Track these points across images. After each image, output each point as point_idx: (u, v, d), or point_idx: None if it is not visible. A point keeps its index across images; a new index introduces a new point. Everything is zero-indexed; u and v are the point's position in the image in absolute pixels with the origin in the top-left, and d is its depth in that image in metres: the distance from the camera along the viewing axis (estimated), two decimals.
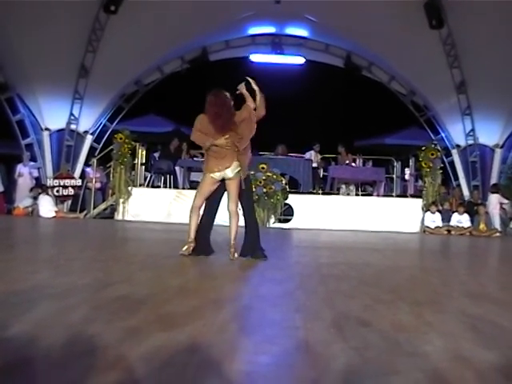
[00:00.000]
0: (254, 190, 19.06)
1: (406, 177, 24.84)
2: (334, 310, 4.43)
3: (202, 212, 8.70)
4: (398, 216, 20.83)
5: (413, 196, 22.75)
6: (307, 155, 23.68)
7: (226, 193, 8.66)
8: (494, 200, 22.38)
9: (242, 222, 8.71)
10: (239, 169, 8.46)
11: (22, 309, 3.98)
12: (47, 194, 22.12)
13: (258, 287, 5.97)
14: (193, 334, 3.41)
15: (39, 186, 23.05)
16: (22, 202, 22.26)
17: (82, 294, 4.91)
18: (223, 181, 8.53)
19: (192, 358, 2.93)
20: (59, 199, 23.18)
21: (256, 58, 28.55)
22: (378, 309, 4.59)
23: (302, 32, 27.98)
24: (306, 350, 3.19)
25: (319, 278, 6.60)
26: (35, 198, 22.17)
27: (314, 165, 23.25)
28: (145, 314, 4.01)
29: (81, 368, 2.69)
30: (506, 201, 22.62)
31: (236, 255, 8.43)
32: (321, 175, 24.00)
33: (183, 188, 21.89)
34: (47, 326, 3.53)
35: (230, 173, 8.41)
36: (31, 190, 22.52)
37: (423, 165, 21.29)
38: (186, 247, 8.36)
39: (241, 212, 8.77)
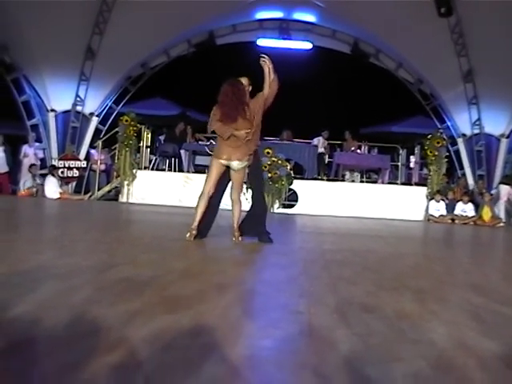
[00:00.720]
0: None
1: (411, 165, 24.80)
2: (338, 296, 4.43)
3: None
4: (403, 204, 20.84)
5: (417, 184, 22.73)
6: (315, 141, 23.67)
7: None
8: (504, 191, 22.37)
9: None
10: (246, 163, 8.49)
11: (26, 289, 3.98)
12: (53, 175, 22.15)
13: (262, 272, 5.98)
14: (196, 317, 3.41)
15: (48, 167, 23.13)
16: (24, 183, 22.31)
17: (85, 275, 4.91)
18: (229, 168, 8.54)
19: (195, 341, 2.93)
20: (64, 180, 23.18)
21: (263, 42, 28.49)
22: (381, 295, 4.59)
23: (309, 17, 27.90)
24: (309, 335, 3.19)
25: (323, 264, 6.60)
26: (34, 178, 22.26)
27: (321, 150, 23.23)
28: (148, 296, 4.01)
29: (84, 349, 2.70)
30: None
31: (240, 238, 8.47)
32: (326, 161, 23.98)
33: (188, 171, 21.91)
34: (50, 306, 3.53)
35: (236, 165, 8.43)
36: (30, 168, 22.51)
37: (428, 153, 21.28)
38: (188, 234, 8.39)
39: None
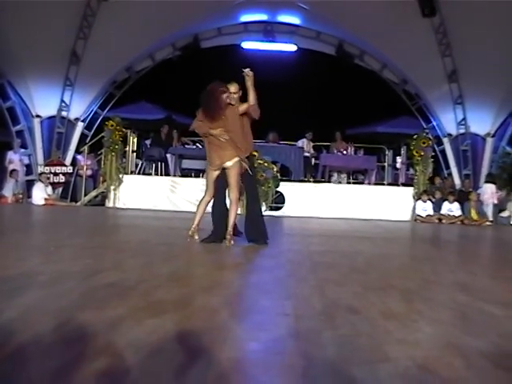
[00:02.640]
0: None
1: (398, 165, 24.83)
2: (325, 298, 4.43)
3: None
4: (390, 204, 20.88)
5: (404, 184, 22.77)
6: (299, 143, 23.68)
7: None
8: (489, 190, 22.48)
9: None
10: (237, 159, 8.53)
11: (11, 295, 3.97)
12: (41, 181, 22.13)
13: (249, 274, 5.98)
14: (182, 321, 3.40)
15: (37, 173, 23.17)
16: (4, 189, 22.30)
17: (71, 280, 4.90)
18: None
19: (181, 345, 2.93)
20: (50, 186, 23.12)
21: (248, 45, 28.53)
22: (368, 296, 4.59)
23: (294, 20, 27.94)
24: (296, 338, 3.19)
25: (310, 266, 6.60)
26: (17, 184, 22.29)
27: (306, 154, 23.23)
28: (134, 301, 4.00)
29: (70, 355, 2.69)
30: (499, 191, 22.74)
31: (232, 242, 8.46)
32: (312, 163, 23.98)
33: (174, 175, 21.88)
34: (36, 313, 3.52)
35: (228, 163, 8.52)
36: (11, 174, 22.51)
37: (414, 153, 21.33)
38: (189, 236, 8.63)
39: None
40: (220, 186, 8.81)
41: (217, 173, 8.65)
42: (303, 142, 23.72)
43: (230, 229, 8.55)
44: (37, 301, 3.88)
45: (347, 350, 2.94)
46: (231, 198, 8.70)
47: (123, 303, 3.87)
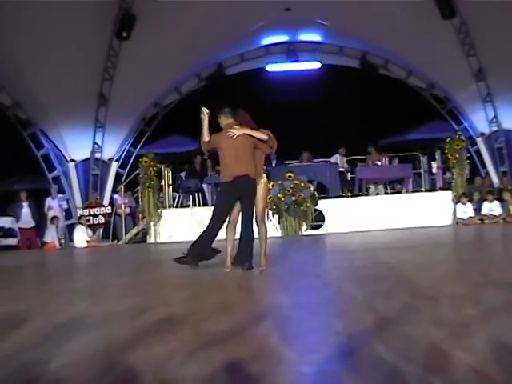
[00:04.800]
0: (283, 199, 19.10)
1: (434, 170, 24.63)
2: (375, 312, 4.39)
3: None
4: (430, 210, 20.71)
5: (442, 189, 22.59)
6: (333, 159, 23.60)
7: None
8: None
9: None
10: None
11: (61, 341, 3.98)
12: (81, 223, 22.28)
13: (296, 296, 5.93)
14: (234, 350, 3.38)
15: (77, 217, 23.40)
16: (46, 236, 22.48)
17: (119, 320, 4.91)
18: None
19: (235, 374, 2.91)
20: (90, 228, 23.25)
21: (272, 67, 28.56)
22: (418, 306, 4.55)
23: (315, 37, 27.94)
24: (349, 356, 3.15)
25: (356, 281, 6.56)
26: (57, 230, 22.49)
27: (341, 169, 23.14)
28: (184, 334, 4.00)
29: None
30: None
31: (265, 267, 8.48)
32: (348, 178, 23.86)
33: (212, 205, 21.89)
34: (87, 356, 3.52)
35: None
36: (52, 220, 22.68)
37: (449, 156, 21.18)
38: (226, 266, 8.66)
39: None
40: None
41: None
42: (336, 158, 23.65)
43: (262, 252, 8.67)
44: (86, 344, 3.89)
45: (403, 363, 2.91)
46: (257, 221, 8.98)
47: (173, 338, 3.87)
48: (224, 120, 9.05)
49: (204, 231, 9.12)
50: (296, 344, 3.58)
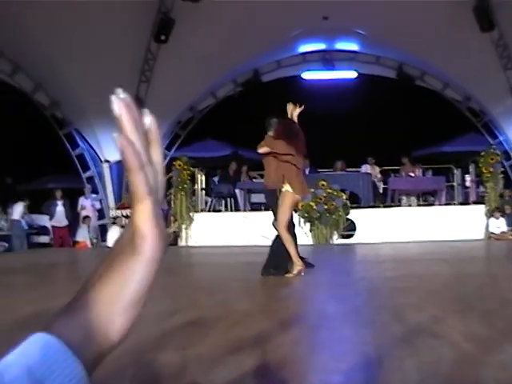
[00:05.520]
0: (315, 207, 19.07)
1: (467, 183, 24.45)
2: (404, 324, 4.38)
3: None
4: (462, 224, 20.54)
5: (475, 203, 22.42)
6: (363, 168, 23.53)
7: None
8: None
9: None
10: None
11: None
12: (115, 223, 22.43)
13: (325, 305, 5.94)
14: (263, 357, 3.40)
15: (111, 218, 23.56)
16: (78, 235, 22.63)
17: (149, 322, 4.93)
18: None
19: (263, 381, 2.93)
20: (123, 229, 23.32)
21: (308, 75, 28.52)
22: (448, 320, 4.53)
23: (352, 46, 27.89)
24: (377, 367, 3.16)
25: (386, 292, 6.55)
26: (89, 230, 22.65)
27: (374, 180, 23.02)
28: (214, 338, 4.02)
29: None
30: None
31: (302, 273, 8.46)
32: (380, 190, 23.67)
33: (245, 210, 21.90)
34: (116, 356, 3.54)
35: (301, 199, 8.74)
36: (84, 220, 22.81)
37: (483, 170, 21.01)
38: (297, 271, 8.38)
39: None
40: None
41: (299, 200, 8.77)
42: (366, 168, 23.56)
43: (294, 259, 8.48)
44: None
45: (431, 377, 2.91)
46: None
47: (203, 342, 3.89)
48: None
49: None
50: (324, 352, 3.59)
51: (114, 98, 0.79)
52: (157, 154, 0.85)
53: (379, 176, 23.40)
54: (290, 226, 8.89)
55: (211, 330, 4.34)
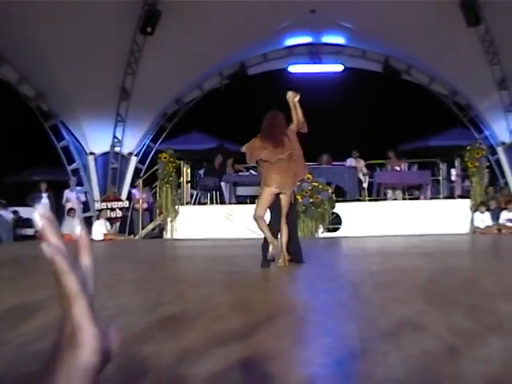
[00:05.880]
0: (300, 200, 19.05)
1: (453, 178, 24.55)
2: (389, 318, 4.38)
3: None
4: (447, 218, 20.61)
5: (460, 197, 22.51)
6: (348, 162, 23.56)
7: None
8: None
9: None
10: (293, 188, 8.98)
11: None
12: (101, 217, 22.41)
13: (311, 298, 5.94)
14: (247, 350, 3.39)
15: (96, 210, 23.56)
16: (63, 227, 22.57)
17: (134, 314, 4.93)
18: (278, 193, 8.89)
19: (247, 374, 2.92)
20: (108, 222, 23.31)
21: (294, 68, 28.51)
22: (432, 313, 4.54)
23: (338, 40, 27.89)
24: (362, 360, 3.16)
25: (371, 286, 6.56)
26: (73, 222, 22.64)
27: (360, 175, 23.04)
28: (199, 331, 4.00)
29: None
30: None
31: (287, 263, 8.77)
32: (366, 184, 23.64)
33: (230, 203, 21.91)
34: None
35: (287, 190, 8.83)
36: (69, 213, 22.71)
37: (469, 165, 21.09)
38: (280, 260, 8.81)
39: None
40: (277, 210, 8.94)
41: (273, 196, 8.76)
42: (351, 161, 23.60)
43: (284, 249, 8.86)
44: None
45: (416, 371, 2.90)
46: (282, 222, 8.92)
47: (187, 334, 3.88)
48: None
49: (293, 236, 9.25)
50: (309, 346, 3.59)
51: (35, 215, 0.82)
52: (86, 259, 0.91)
53: (365, 170, 23.41)
54: (291, 217, 9.19)
55: (195, 323, 4.33)
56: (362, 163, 23.61)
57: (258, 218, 8.84)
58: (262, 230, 8.83)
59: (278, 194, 8.83)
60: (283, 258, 8.77)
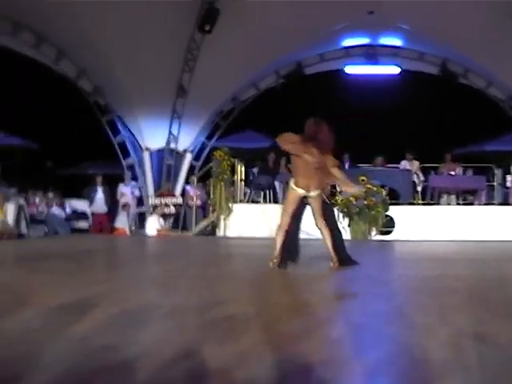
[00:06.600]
0: (354, 202, 18.96)
1: (508, 184, 24.23)
2: (449, 326, 4.32)
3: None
4: (501, 224, 20.36)
5: None
6: (402, 165, 23.37)
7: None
8: None
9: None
10: (320, 191, 8.85)
11: (135, 330, 4.02)
12: (155, 212, 22.56)
13: (366, 303, 5.89)
14: (305, 355, 3.37)
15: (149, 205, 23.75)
16: (117, 222, 22.73)
17: (190, 313, 4.92)
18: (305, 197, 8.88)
19: (305, 379, 2.90)
20: (161, 217, 23.44)
21: (351, 69, 28.40)
22: (493, 323, 4.47)
23: (395, 41, 27.72)
24: (424, 370, 3.11)
25: (428, 292, 6.49)
26: (128, 217, 22.80)
27: (414, 178, 22.81)
28: (255, 334, 3.98)
29: None
30: None
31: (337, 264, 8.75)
32: (419, 188, 23.39)
33: (283, 203, 21.81)
34: (161, 347, 3.54)
35: (313, 193, 8.75)
36: (123, 207, 22.89)
37: None
38: (271, 263, 8.81)
39: None
40: (299, 213, 9.09)
41: (298, 202, 8.72)
42: (405, 164, 23.40)
43: (331, 251, 8.81)
44: (157, 335, 3.92)
45: (477, 381, 2.86)
46: (319, 226, 8.93)
47: (244, 337, 3.86)
48: None
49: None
50: (369, 353, 3.55)
51: None
52: None
53: (420, 174, 23.11)
54: (329, 219, 9.21)
55: (252, 325, 4.31)
56: (416, 165, 23.34)
57: (279, 230, 8.88)
58: (275, 242, 8.84)
59: (302, 201, 8.84)
60: (333, 260, 8.74)
